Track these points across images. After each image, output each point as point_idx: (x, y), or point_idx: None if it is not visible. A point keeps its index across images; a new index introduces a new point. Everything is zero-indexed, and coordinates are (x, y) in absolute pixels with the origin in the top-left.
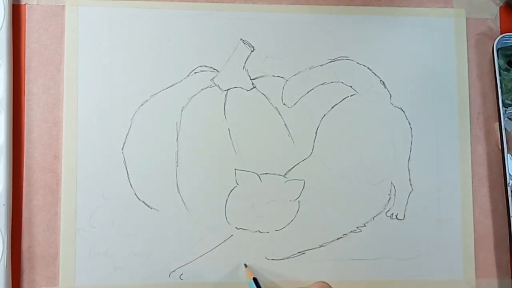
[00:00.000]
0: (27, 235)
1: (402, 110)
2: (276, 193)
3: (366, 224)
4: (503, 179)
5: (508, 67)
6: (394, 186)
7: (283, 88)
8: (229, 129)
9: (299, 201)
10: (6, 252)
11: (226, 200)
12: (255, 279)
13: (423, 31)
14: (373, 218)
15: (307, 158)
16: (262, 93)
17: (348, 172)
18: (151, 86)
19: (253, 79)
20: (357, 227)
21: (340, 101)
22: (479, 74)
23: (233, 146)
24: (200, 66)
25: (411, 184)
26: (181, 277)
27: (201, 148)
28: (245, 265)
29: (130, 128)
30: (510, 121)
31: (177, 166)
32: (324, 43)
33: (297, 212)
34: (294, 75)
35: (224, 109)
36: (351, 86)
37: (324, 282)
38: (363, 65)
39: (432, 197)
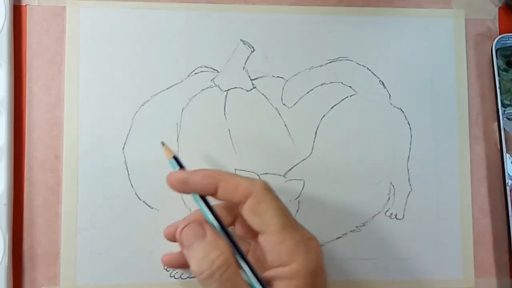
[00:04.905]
0: (28, 235)
1: (402, 110)
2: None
3: (365, 224)
4: (502, 179)
5: (507, 67)
6: (393, 186)
7: (283, 88)
8: (229, 129)
9: (299, 201)
10: (7, 252)
11: None
12: (175, 158)
13: (422, 32)
14: (373, 218)
15: (307, 158)
16: (262, 94)
17: (348, 172)
18: (151, 86)
19: (253, 79)
20: (356, 227)
21: (340, 101)
22: (478, 74)
23: (233, 146)
24: (200, 67)
25: (410, 184)
26: (181, 276)
27: (201, 148)
28: (162, 143)
29: (130, 128)
30: (509, 121)
31: None
32: (324, 43)
33: (297, 212)
34: (294, 75)
35: (224, 110)
36: (350, 87)
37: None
38: (363, 66)
39: (431, 197)
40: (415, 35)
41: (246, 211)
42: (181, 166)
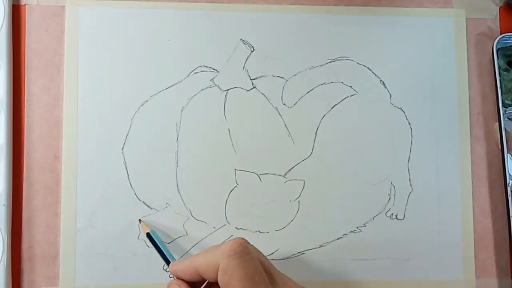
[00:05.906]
0: (27, 235)
1: (402, 110)
2: (276, 193)
3: (366, 224)
4: (503, 179)
5: (508, 67)
6: (394, 186)
7: (283, 88)
8: (229, 129)
9: (299, 201)
10: (6, 252)
11: (226, 200)
12: (148, 234)
13: (423, 31)
14: (373, 218)
15: (307, 158)
16: (262, 93)
17: (348, 172)
18: (151, 86)
19: (253, 79)
20: (357, 227)
21: (340, 101)
22: (479, 74)
23: (233, 146)
24: (200, 66)
25: (411, 184)
26: None
27: (201, 148)
28: (140, 220)
29: (130, 128)
30: (510, 121)
31: (177, 166)
32: (324, 43)
33: (297, 212)
34: (294, 75)
35: (224, 109)
36: (351, 86)
37: (242, 239)
38: (363, 65)
39: (432, 197)
40: (416, 34)
41: (219, 284)
42: (153, 242)
